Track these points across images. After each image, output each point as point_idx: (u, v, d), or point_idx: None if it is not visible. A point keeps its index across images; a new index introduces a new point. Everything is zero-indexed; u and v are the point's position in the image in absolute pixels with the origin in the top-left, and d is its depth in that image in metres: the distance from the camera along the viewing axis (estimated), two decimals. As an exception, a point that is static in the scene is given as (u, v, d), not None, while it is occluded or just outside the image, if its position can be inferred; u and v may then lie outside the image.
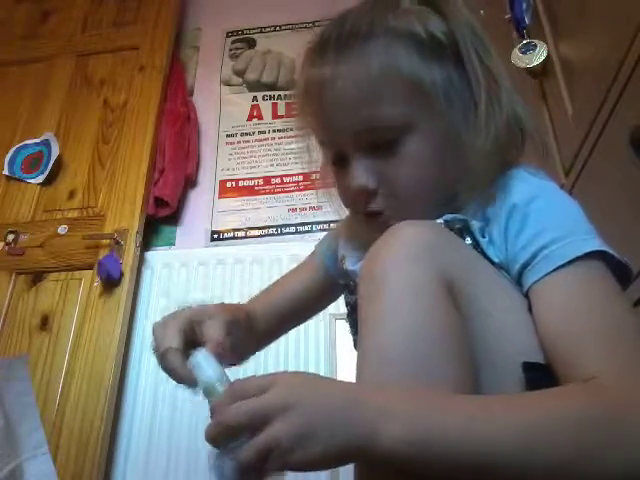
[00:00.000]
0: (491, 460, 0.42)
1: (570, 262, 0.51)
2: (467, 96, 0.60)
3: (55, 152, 1.89)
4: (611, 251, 0.53)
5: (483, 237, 0.57)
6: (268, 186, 1.97)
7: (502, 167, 0.60)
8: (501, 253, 0.56)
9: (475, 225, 0.58)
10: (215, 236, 1.90)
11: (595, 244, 0.52)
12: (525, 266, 0.54)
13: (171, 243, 1.90)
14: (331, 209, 0.77)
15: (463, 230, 0.57)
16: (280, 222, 1.90)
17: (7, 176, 1.92)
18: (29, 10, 2.27)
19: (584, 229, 0.54)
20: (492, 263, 0.56)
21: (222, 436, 0.47)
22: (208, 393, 0.53)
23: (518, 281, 0.55)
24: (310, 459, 0.43)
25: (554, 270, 0.52)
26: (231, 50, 2.27)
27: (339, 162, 0.64)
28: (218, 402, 0.49)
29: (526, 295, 0.54)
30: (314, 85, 0.61)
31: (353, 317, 0.67)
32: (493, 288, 0.53)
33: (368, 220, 0.63)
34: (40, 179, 1.89)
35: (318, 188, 0.78)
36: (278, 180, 1.98)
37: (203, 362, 0.55)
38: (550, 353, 0.50)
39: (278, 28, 2.29)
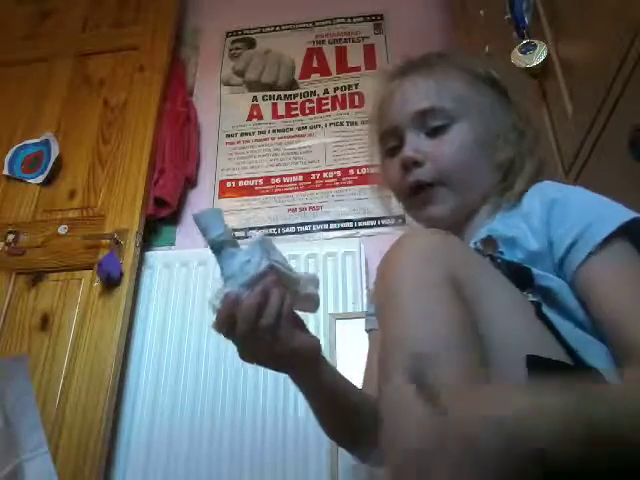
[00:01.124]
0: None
1: (609, 238, 0.58)
2: (509, 123, 0.77)
3: (55, 152, 1.89)
4: None
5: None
6: (268, 186, 1.97)
7: (532, 181, 0.72)
8: (542, 240, 0.63)
9: (499, 229, 0.66)
10: (215, 236, 1.90)
11: (630, 214, 0.60)
12: (572, 245, 0.60)
13: (171, 243, 1.90)
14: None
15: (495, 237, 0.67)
16: (280, 222, 1.90)
17: (7, 176, 1.92)
18: (29, 10, 2.27)
19: (618, 208, 0.62)
20: (529, 252, 0.63)
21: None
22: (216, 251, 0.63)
23: (561, 264, 0.61)
24: None
25: (597, 248, 0.58)
26: (231, 50, 2.27)
27: (393, 152, 0.77)
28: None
29: (572, 277, 0.60)
30: (389, 92, 0.79)
31: None
32: (497, 290, 0.56)
33: (413, 196, 0.74)
34: (40, 179, 1.89)
35: (374, 184, 0.92)
36: (278, 180, 1.98)
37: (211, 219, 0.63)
38: (608, 329, 0.56)
39: (278, 28, 2.29)
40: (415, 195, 0.74)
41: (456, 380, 0.46)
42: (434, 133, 0.74)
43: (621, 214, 0.60)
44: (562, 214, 0.62)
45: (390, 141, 0.78)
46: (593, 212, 0.61)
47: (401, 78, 0.79)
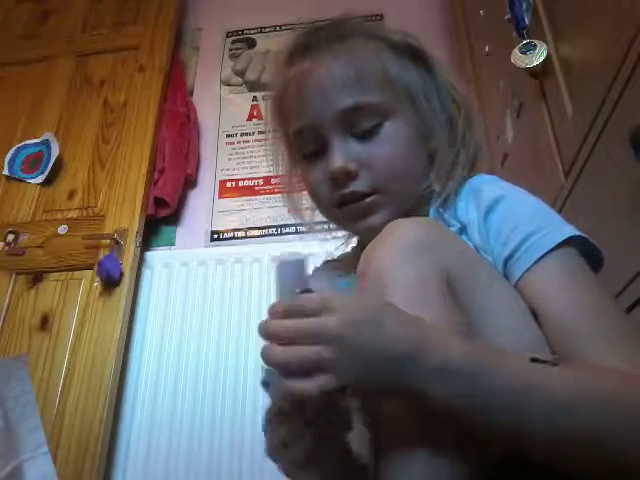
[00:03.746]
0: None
1: (552, 250, 0.53)
2: (438, 106, 0.66)
3: (55, 152, 1.89)
4: (585, 235, 0.55)
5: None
6: (268, 186, 1.97)
7: (468, 174, 0.65)
8: (487, 254, 0.57)
9: (453, 230, 0.60)
10: (215, 236, 1.90)
11: (570, 230, 0.55)
12: (508, 260, 0.55)
13: (171, 243, 1.90)
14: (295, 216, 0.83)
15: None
16: (280, 222, 1.90)
17: (7, 176, 1.92)
18: (29, 10, 2.28)
19: (555, 219, 0.57)
20: None
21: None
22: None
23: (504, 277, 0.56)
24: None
25: (539, 259, 0.53)
26: (231, 50, 2.27)
27: (313, 154, 0.66)
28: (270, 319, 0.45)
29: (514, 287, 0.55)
30: (296, 78, 0.66)
31: None
32: (491, 284, 0.54)
33: (346, 207, 0.65)
34: (40, 179, 1.89)
35: (284, 193, 0.85)
36: (278, 180, 1.97)
37: (287, 271, 0.49)
38: (555, 340, 0.51)
39: (278, 28, 2.29)
40: (348, 205, 0.65)
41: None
42: (363, 134, 0.64)
43: (559, 229, 0.55)
44: (497, 226, 0.57)
45: (308, 142, 0.66)
46: (529, 222, 0.55)
47: (311, 59, 0.65)
